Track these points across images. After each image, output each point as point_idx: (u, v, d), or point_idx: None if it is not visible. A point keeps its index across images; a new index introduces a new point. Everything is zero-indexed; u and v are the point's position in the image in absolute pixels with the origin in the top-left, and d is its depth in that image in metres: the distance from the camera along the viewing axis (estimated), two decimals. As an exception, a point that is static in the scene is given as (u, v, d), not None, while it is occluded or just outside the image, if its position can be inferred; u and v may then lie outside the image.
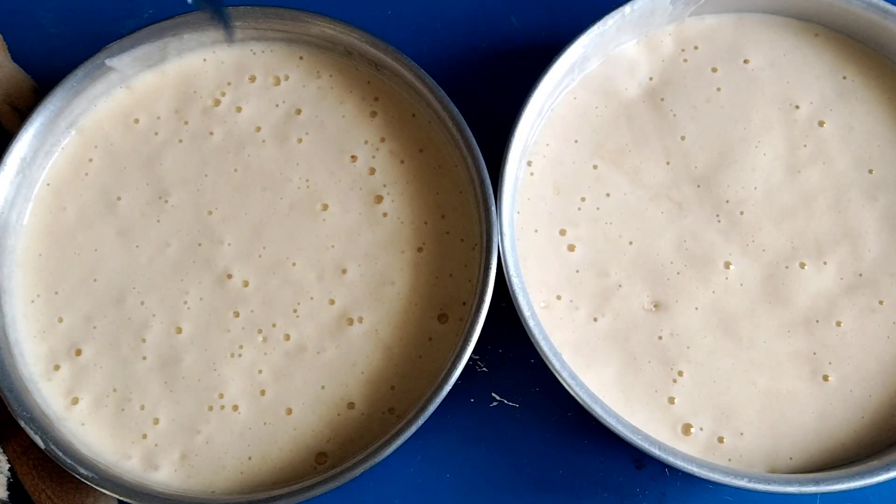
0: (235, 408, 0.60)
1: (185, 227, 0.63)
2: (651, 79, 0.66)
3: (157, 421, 0.60)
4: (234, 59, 0.67)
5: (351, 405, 0.60)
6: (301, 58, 0.66)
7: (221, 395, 0.61)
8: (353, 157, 0.64)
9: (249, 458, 0.60)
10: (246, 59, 0.67)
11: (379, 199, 0.63)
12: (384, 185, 0.64)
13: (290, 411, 0.60)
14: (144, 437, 0.60)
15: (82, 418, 0.60)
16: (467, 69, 0.71)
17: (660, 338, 0.61)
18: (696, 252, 0.63)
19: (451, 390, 0.57)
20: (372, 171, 0.64)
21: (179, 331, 0.62)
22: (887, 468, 0.55)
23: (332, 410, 0.60)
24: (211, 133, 0.65)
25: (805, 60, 0.66)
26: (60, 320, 0.62)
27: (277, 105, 0.65)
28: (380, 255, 0.62)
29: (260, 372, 0.61)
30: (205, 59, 0.67)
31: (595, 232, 0.63)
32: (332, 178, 0.64)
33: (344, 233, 0.63)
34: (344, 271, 0.62)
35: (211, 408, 0.60)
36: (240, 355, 0.61)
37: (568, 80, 0.65)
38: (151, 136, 0.65)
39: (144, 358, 0.61)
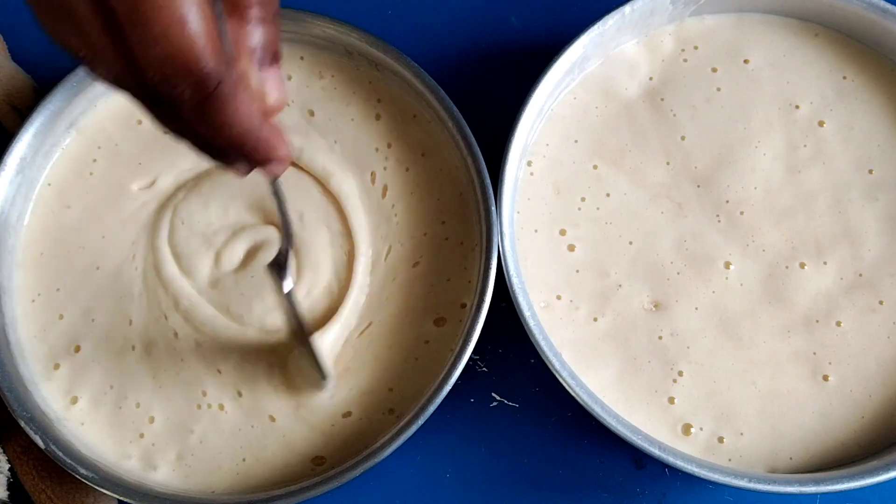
0: (221, 407, 0.60)
1: (230, 220, 0.63)
2: (651, 79, 0.66)
3: (152, 419, 0.60)
4: None
5: (347, 414, 0.60)
6: (302, 58, 0.66)
7: (205, 393, 0.60)
8: (372, 174, 0.64)
9: (244, 460, 0.59)
10: None
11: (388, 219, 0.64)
12: (392, 206, 0.64)
13: (272, 419, 0.60)
14: (142, 436, 0.60)
15: (82, 418, 0.60)
16: (467, 69, 0.71)
17: (660, 338, 0.61)
18: (696, 252, 0.63)
19: (451, 390, 0.57)
20: (385, 190, 0.64)
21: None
22: (887, 468, 0.55)
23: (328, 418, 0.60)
24: None
25: (805, 60, 0.66)
26: (61, 317, 0.62)
27: (288, 104, 0.65)
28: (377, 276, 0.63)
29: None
30: None
31: (595, 232, 0.63)
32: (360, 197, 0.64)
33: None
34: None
35: (199, 406, 0.60)
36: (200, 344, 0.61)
37: (568, 80, 0.65)
38: (160, 136, 0.65)
39: (133, 348, 0.61)
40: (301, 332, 0.57)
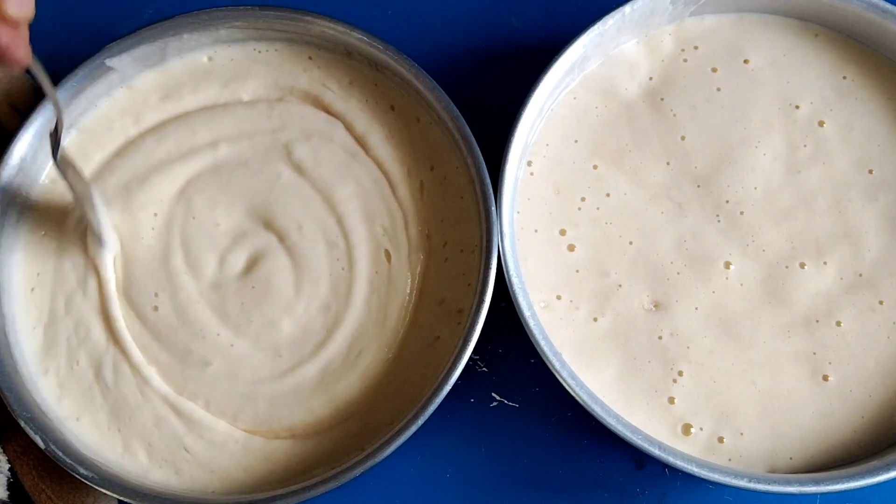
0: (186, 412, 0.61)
1: (233, 223, 0.63)
2: (651, 79, 0.66)
3: (129, 405, 0.61)
4: (240, 58, 0.66)
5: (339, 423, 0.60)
6: (310, 58, 0.66)
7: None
8: (377, 182, 0.64)
9: (237, 461, 0.60)
10: (251, 58, 0.66)
11: (388, 255, 0.63)
12: (395, 213, 0.63)
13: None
14: (122, 426, 0.60)
15: (76, 412, 0.60)
16: (467, 69, 0.71)
17: (660, 338, 0.61)
18: (696, 252, 0.63)
19: (451, 390, 0.57)
20: (388, 197, 0.64)
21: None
22: (887, 468, 0.55)
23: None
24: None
25: (805, 60, 0.66)
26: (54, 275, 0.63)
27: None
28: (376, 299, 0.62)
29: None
30: (209, 59, 0.66)
31: (595, 232, 0.63)
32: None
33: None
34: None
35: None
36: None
37: (568, 80, 0.65)
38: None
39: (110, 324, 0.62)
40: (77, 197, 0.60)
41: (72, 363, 0.61)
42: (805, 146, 0.64)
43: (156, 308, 0.62)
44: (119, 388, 0.61)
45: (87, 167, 0.65)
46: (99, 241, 0.62)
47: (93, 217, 0.60)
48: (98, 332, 0.62)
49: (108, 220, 0.62)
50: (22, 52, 0.49)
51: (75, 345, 0.62)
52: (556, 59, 0.62)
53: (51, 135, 0.57)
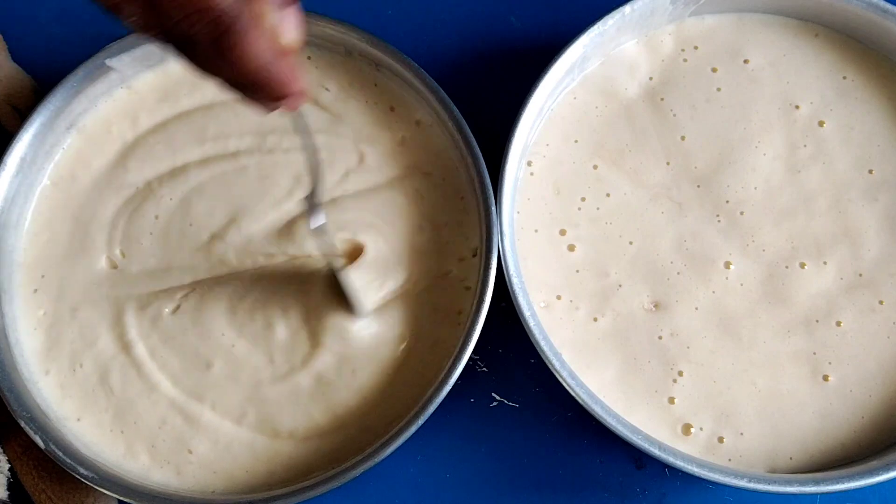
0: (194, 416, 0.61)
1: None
2: (651, 79, 0.66)
3: (135, 409, 0.61)
4: None
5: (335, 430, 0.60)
6: (309, 58, 0.66)
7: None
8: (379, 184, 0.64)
9: (241, 462, 0.60)
10: None
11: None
12: (393, 215, 0.63)
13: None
14: (126, 429, 0.60)
15: (77, 412, 0.60)
16: (467, 69, 0.71)
17: (660, 338, 0.61)
18: (696, 252, 0.63)
19: (451, 390, 0.57)
20: (389, 198, 0.64)
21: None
22: (887, 468, 0.55)
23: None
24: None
25: (805, 60, 0.66)
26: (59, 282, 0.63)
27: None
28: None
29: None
30: None
31: (595, 232, 0.63)
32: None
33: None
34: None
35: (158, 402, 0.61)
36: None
37: (568, 80, 0.65)
38: (163, 134, 0.66)
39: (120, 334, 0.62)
40: (332, 267, 0.58)
41: (74, 366, 0.61)
42: (805, 146, 0.64)
43: (177, 308, 0.62)
44: (126, 393, 0.61)
45: (87, 168, 0.65)
46: (355, 309, 0.59)
47: (348, 286, 0.58)
48: (106, 341, 0.61)
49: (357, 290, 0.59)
50: (302, 83, 0.43)
51: (79, 349, 0.61)
52: (556, 59, 0.62)
53: (307, 198, 0.54)
